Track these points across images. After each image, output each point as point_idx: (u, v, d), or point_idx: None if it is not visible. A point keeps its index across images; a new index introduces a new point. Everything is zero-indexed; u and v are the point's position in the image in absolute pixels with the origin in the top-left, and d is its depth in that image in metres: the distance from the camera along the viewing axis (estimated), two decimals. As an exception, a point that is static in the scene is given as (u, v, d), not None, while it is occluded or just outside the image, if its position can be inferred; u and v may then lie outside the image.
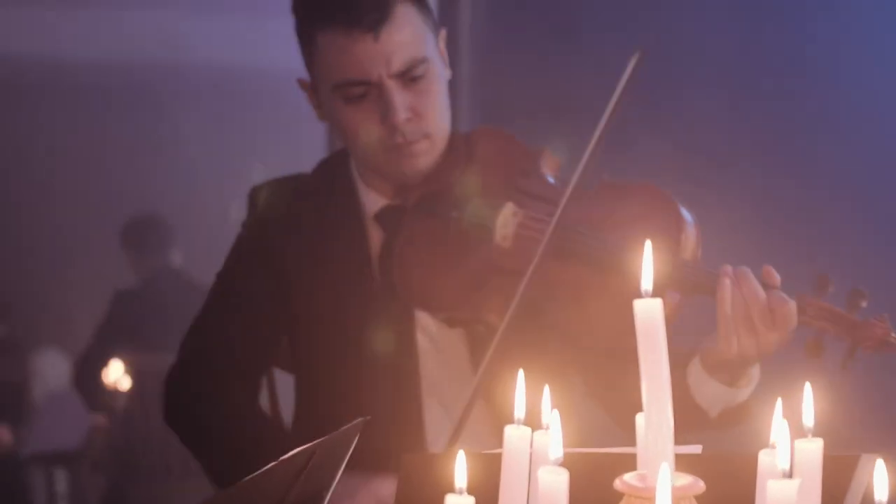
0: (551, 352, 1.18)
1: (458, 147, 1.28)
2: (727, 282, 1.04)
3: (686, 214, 1.15)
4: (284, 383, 1.43)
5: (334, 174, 1.35)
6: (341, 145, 1.40)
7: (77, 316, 4.21)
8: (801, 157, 2.47)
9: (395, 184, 1.27)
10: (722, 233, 1.41)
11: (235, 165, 4.76)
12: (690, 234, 1.14)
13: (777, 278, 1.06)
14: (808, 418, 0.51)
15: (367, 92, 1.20)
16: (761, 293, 1.03)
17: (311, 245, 1.30)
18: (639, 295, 0.53)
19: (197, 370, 1.31)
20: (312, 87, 1.29)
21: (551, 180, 1.23)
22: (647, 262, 0.55)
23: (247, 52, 4.95)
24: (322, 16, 1.21)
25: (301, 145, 3.88)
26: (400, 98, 1.18)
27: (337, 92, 1.22)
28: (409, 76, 1.20)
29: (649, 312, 0.53)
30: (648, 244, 0.56)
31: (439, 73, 1.25)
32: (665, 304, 1.06)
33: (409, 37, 1.21)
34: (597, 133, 1.13)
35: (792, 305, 1.03)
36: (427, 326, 1.27)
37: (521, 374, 0.57)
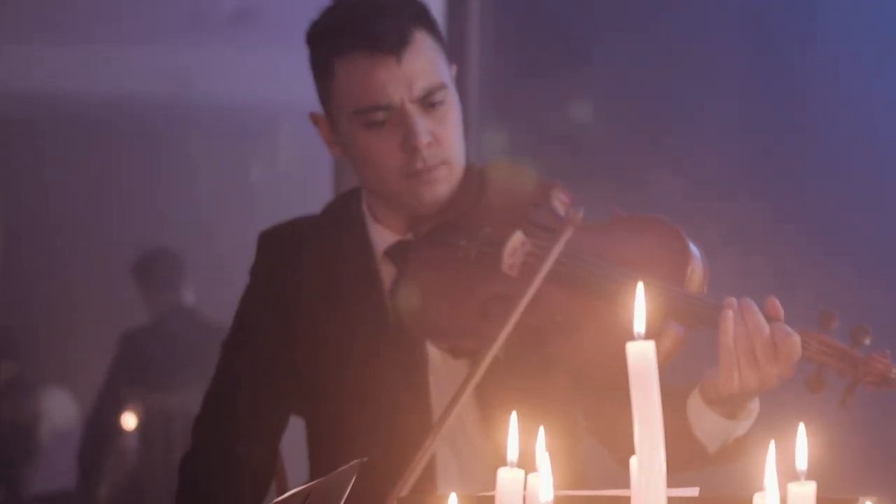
0: (554, 384, 1.19)
1: (472, 179, 1.29)
2: (730, 313, 1.04)
3: (694, 249, 1.16)
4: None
5: (343, 213, 1.36)
6: (348, 178, 1.41)
7: (85, 355, 4.21)
8: (808, 193, 2.48)
9: (410, 215, 1.28)
10: (728, 265, 1.42)
11: (243, 202, 4.79)
12: (697, 269, 1.15)
13: (781, 311, 1.07)
14: (802, 461, 0.51)
15: (387, 118, 1.21)
16: (765, 326, 1.03)
17: (321, 286, 1.30)
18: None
19: (211, 456, 1.33)
20: (327, 119, 1.30)
21: (562, 213, 1.24)
22: (640, 305, 0.55)
23: (252, 87, 5.00)
24: (343, 41, 1.24)
25: (308, 181, 3.91)
26: (421, 123, 1.20)
27: (357, 118, 1.23)
28: (429, 101, 1.22)
29: (642, 355, 0.53)
30: (640, 286, 0.56)
31: (456, 102, 1.28)
32: (669, 336, 1.08)
33: (428, 63, 1.23)
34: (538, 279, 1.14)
35: (796, 339, 1.03)
36: (434, 362, 1.27)
37: (513, 416, 0.57)
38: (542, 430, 0.58)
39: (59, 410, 4.01)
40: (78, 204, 5.12)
